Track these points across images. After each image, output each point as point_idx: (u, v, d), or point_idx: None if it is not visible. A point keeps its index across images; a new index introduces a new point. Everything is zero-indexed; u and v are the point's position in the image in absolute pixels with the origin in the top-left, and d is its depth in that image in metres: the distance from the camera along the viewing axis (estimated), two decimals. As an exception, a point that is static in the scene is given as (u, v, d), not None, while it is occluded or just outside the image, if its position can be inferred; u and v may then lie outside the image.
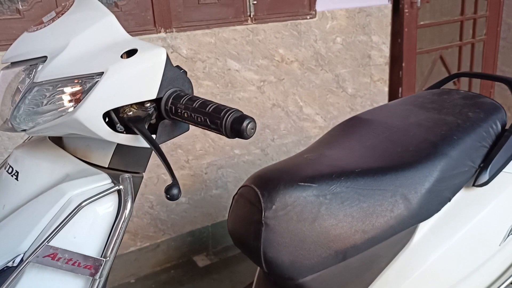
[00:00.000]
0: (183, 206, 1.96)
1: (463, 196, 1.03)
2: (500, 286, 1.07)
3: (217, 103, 0.64)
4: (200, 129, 1.91)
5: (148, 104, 0.66)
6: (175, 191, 0.61)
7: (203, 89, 1.87)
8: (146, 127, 0.66)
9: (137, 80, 0.64)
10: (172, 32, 1.75)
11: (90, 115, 0.62)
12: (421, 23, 2.54)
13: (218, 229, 2.09)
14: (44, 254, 0.63)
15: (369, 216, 0.92)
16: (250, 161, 2.10)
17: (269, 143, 2.14)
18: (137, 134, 0.65)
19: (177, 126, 0.71)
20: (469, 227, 1.01)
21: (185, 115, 0.64)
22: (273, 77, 2.05)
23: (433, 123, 1.09)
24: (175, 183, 0.62)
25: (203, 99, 0.65)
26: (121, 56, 0.64)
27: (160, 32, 1.73)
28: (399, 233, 0.96)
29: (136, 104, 0.66)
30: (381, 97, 2.49)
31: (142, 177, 0.78)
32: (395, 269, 0.97)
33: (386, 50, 2.43)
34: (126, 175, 0.70)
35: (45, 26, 0.70)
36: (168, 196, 0.61)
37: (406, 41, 2.45)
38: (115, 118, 0.65)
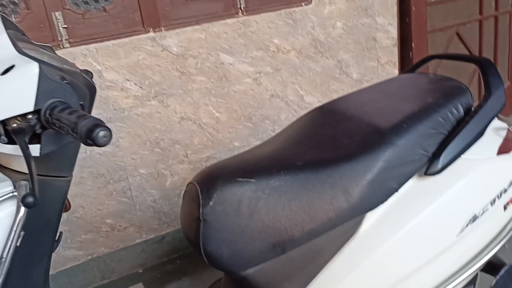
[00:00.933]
0: (185, 199, 2.02)
1: (414, 185, 1.00)
2: (463, 279, 1.03)
3: (84, 113, 0.68)
4: (197, 124, 1.98)
5: (30, 116, 0.71)
6: (30, 199, 0.66)
7: (196, 85, 1.91)
8: (28, 137, 0.72)
9: (14, 94, 0.69)
10: (161, 31, 1.80)
11: None
12: (431, 0, 2.42)
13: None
14: None
15: (307, 209, 0.92)
16: (251, 153, 2.12)
17: (269, 134, 2.15)
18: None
19: (63, 135, 0.76)
20: (421, 217, 0.98)
21: (57, 125, 0.69)
22: (269, 68, 2.06)
23: (387, 111, 1.06)
24: (33, 190, 0.66)
25: (75, 109, 0.69)
26: (2, 73, 0.69)
27: (149, 32, 1.78)
28: (342, 225, 0.95)
29: (20, 116, 0.71)
30: (391, 80, 2.41)
31: (70, 180, 0.83)
32: (341, 260, 0.96)
33: (394, 31, 2.35)
34: (23, 182, 0.75)
35: None
36: (23, 204, 0.66)
37: (414, 20, 2.35)
38: (1, 130, 0.71)
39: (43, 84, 0.70)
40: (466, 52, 2.67)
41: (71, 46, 1.65)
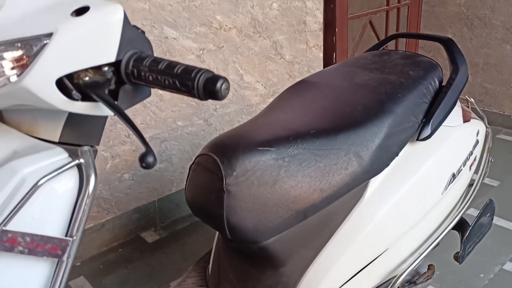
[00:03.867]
0: (126, 183, 1.90)
1: (408, 150, 1.08)
2: (442, 232, 1.15)
3: (184, 64, 0.61)
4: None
5: (106, 68, 0.61)
6: (150, 159, 0.58)
7: (140, 60, 1.78)
8: (106, 90, 0.62)
9: (92, 41, 0.58)
10: (103, -1, 1.64)
11: (41, 82, 0.56)
12: (352, -12, 2.59)
13: (165, 203, 2.05)
14: (1, 240, 0.58)
15: (326, 175, 0.95)
16: (193, 133, 2.06)
17: (211, 113, 2.11)
18: (96, 101, 0.61)
19: (139, 91, 0.67)
20: (415, 179, 1.07)
21: (150, 78, 0.60)
22: (212, 45, 2.01)
23: (377, 82, 1.13)
24: (149, 150, 0.58)
25: (168, 60, 0.62)
26: (71, 15, 0.58)
27: None
28: (353, 190, 1.00)
29: (92, 68, 0.61)
30: (317, 63, 2.54)
31: (97, 150, 0.73)
32: (350, 224, 1.01)
33: (320, 16, 2.46)
34: (85, 147, 0.65)
35: None
36: (144, 164, 0.58)
37: (338, 6, 2.50)
38: (69, 84, 0.60)
39: (126, 31, 0.60)
40: (375, 39, 2.93)
41: None
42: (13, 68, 0.57)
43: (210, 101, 2.08)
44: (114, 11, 0.59)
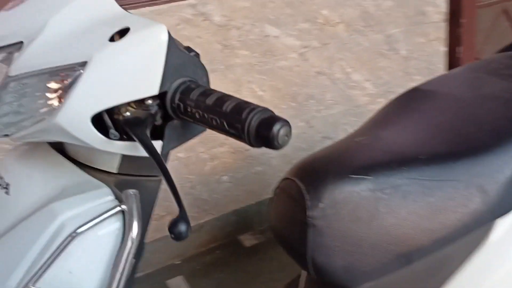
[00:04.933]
0: (225, 185, 1.87)
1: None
2: None
3: (239, 99, 0.50)
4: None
5: (150, 101, 0.53)
6: (182, 228, 0.48)
7: (239, 60, 1.73)
8: (149, 131, 0.54)
9: (132, 70, 0.50)
10: (204, -2, 1.61)
11: (75, 119, 0.50)
12: (484, -30, 2.23)
13: (264, 207, 1.99)
14: None
15: (438, 213, 0.77)
16: (294, 135, 1.92)
17: (314, 115, 1.98)
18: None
19: (190, 127, 0.58)
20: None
21: (197, 115, 0.51)
22: (316, 42, 1.87)
23: (508, 94, 0.90)
24: (183, 215, 0.49)
25: (220, 93, 0.51)
26: (111, 39, 0.50)
27: (190, -2, 1.58)
28: (473, 232, 0.80)
29: (135, 102, 0.53)
30: (438, 58, 2.25)
31: (161, 180, 0.66)
32: (468, 274, 0.82)
33: (443, 5, 2.17)
34: (131, 191, 0.58)
35: (22, 2, 0.58)
36: (174, 234, 0.48)
37: (466, -8, 2.17)
38: (109, 121, 0.53)
39: (173, 56, 0.51)
40: (510, 33, 2.50)
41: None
42: (51, 100, 0.51)
43: (311, 101, 1.96)
44: (156, 32, 0.50)
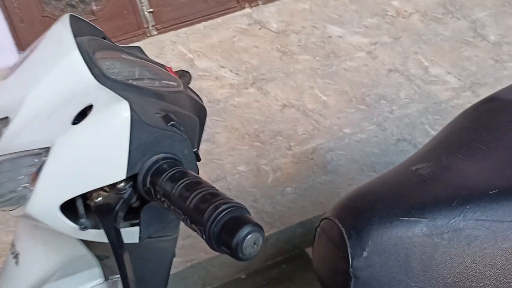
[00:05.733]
0: (289, 197, 1.78)
1: None
2: None
3: (211, 189, 0.41)
4: (301, 110, 1.69)
5: (123, 184, 0.46)
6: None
7: (300, 65, 1.60)
8: (121, 218, 0.47)
9: (96, 154, 0.45)
10: (258, 5, 1.50)
11: (43, 207, 0.47)
12: None
13: (332, 217, 1.87)
14: None
15: (515, 272, 0.62)
16: (364, 140, 1.80)
17: (387, 116, 1.80)
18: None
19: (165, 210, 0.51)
20: None
21: (165, 204, 0.43)
22: (387, 37, 1.68)
23: None
24: None
25: (194, 178, 0.43)
26: (76, 119, 0.46)
27: (244, 7, 1.49)
28: None
29: (108, 185, 0.46)
30: (538, 39, 1.91)
31: (176, 238, 0.61)
32: None
33: (545, -24, 1.82)
34: (115, 276, 0.53)
35: (18, 68, 0.55)
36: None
37: None
38: (81, 208, 0.47)
39: (139, 134, 0.45)
40: None
41: (158, 33, 1.42)
42: (20, 189, 0.47)
43: (383, 102, 1.77)
44: (116, 110, 0.44)
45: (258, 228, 0.37)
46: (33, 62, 0.52)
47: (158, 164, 0.46)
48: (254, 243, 0.37)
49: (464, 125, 0.84)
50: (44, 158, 0.45)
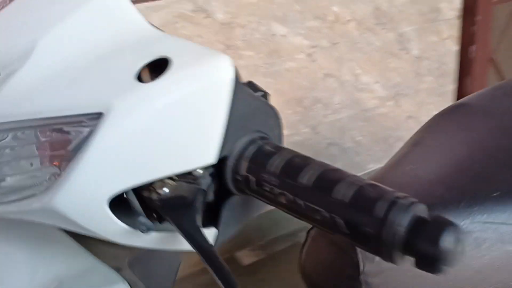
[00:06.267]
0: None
1: None
2: None
3: (349, 175, 0.32)
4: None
5: (201, 171, 0.35)
6: None
7: (243, 61, 1.55)
8: (200, 217, 0.36)
9: (176, 127, 0.32)
10: (205, -8, 1.43)
11: (82, 201, 0.32)
12: (501, -36, 2.09)
13: (264, 220, 1.84)
14: None
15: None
16: (299, 142, 1.80)
17: (320, 120, 1.82)
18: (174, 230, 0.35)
19: (251, 203, 0.41)
20: None
21: (283, 199, 0.34)
22: (325, 41, 1.71)
23: None
24: None
25: (312, 160, 0.34)
26: (138, 77, 0.32)
27: (190, -7, 1.41)
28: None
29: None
30: (450, 58, 2.11)
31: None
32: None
33: (457, 0, 2.02)
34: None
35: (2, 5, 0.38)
36: None
37: (482, -13, 2.03)
38: (137, 204, 0.34)
39: (239, 104, 0.34)
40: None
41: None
42: (39, 173, 0.32)
43: (319, 105, 1.80)
44: (215, 68, 0.32)
45: (458, 228, 0.29)
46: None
47: (256, 145, 0.35)
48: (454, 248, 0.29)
49: (441, 127, 0.85)
50: (89, 129, 0.31)
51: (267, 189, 0.33)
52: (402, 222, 0.28)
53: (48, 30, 0.33)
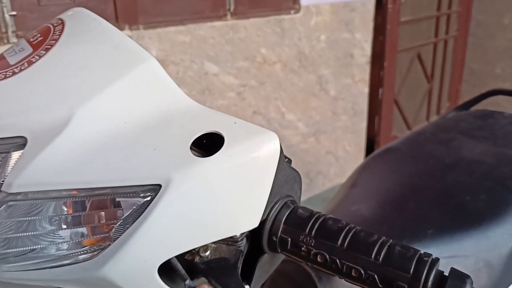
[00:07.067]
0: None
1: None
2: None
3: (378, 235, 0.36)
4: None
5: (238, 235, 0.36)
6: None
7: (177, 98, 1.57)
8: (238, 276, 0.37)
9: (228, 196, 0.34)
10: (139, 29, 1.43)
11: (133, 269, 0.32)
12: (402, 19, 2.38)
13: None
14: None
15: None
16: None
17: (249, 156, 1.88)
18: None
19: (275, 258, 0.43)
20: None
21: (319, 258, 0.36)
22: (254, 81, 1.79)
23: (494, 159, 0.89)
24: None
25: (345, 224, 0.37)
26: (191, 149, 0.33)
27: (124, 29, 1.40)
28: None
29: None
30: (362, 99, 2.31)
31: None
32: None
33: (368, 48, 2.25)
34: None
35: (13, 72, 0.36)
36: None
37: (388, 38, 2.28)
38: (181, 269, 0.35)
39: (280, 173, 0.36)
40: (422, 74, 2.70)
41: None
42: (87, 243, 0.32)
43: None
44: (265, 143, 0.34)
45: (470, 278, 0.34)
46: (61, 63, 0.36)
47: (289, 208, 0.38)
48: None
49: (372, 170, 0.93)
50: (143, 200, 0.31)
51: (304, 249, 0.36)
52: (428, 276, 0.33)
53: (86, 99, 0.33)
